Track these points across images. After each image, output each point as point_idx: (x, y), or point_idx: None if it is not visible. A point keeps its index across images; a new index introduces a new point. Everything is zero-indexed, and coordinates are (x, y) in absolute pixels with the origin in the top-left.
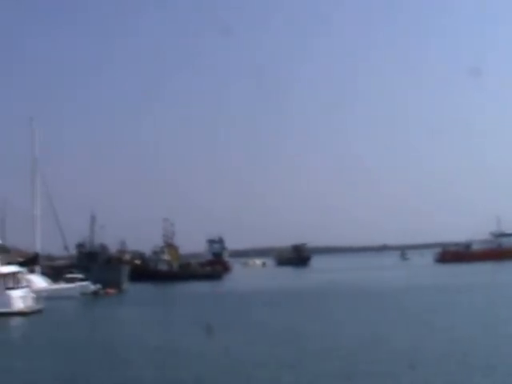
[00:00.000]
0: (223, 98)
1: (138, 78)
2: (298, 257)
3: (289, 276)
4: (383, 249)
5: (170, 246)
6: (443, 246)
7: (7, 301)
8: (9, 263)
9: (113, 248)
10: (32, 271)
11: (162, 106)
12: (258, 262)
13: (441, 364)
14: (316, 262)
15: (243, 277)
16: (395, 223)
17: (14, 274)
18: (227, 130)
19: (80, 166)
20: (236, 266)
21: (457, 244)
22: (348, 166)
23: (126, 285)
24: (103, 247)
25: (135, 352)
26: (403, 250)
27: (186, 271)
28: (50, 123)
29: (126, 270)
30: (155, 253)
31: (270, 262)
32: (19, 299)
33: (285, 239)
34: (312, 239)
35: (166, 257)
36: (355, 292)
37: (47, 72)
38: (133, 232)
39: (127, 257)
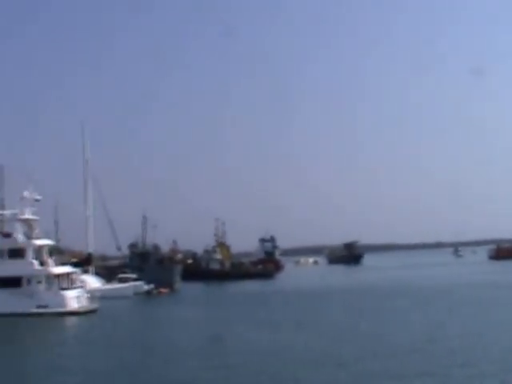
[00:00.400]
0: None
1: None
2: (350, 255)
3: (341, 274)
4: (437, 246)
5: (221, 245)
6: (497, 242)
7: (62, 301)
8: (63, 264)
9: (165, 248)
10: (86, 271)
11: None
12: (310, 260)
13: (497, 363)
14: (368, 259)
15: (295, 275)
16: (449, 220)
17: (68, 274)
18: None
19: (131, 167)
20: (288, 264)
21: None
22: (400, 164)
23: (179, 284)
24: (155, 247)
25: (189, 350)
26: (456, 247)
27: (237, 270)
28: (102, 125)
29: (178, 270)
30: (207, 252)
31: (321, 260)
32: (74, 299)
33: (337, 237)
34: (364, 237)
35: (218, 256)
36: (410, 290)
37: (109, 73)
38: (184, 231)
39: (179, 256)
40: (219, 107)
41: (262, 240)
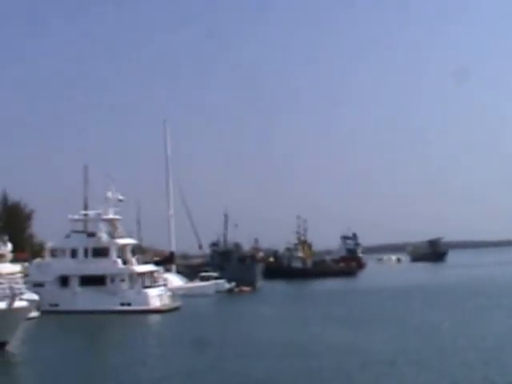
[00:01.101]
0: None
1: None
2: (433, 252)
3: (425, 272)
4: None
5: (303, 243)
6: None
7: (145, 299)
8: (146, 263)
9: (246, 246)
10: (168, 270)
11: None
12: (393, 257)
13: None
14: (453, 257)
15: (378, 273)
16: None
17: (150, 272)
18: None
19: (212, 165)
20: (370, 262)
21: None
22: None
23: (260, 283)
24: (237, 245)
25: (269, 348)
26: None
27: (319, 268)
28: (181, 124)
29: (259, 268)
30: (288, 250)
31: (404, 257)
32: (156, 297)
33: (419, 234)
34: (448, 234)
35: (300, 254)
36: (496, 289)
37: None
38: (266, 230)
39: (261, 255)
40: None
41: (344, 237)
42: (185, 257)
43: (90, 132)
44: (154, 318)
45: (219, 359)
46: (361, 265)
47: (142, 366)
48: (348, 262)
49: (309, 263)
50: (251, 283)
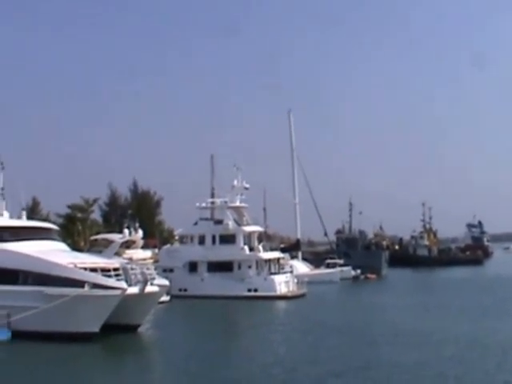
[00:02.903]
0: None
1: None
2: None
3: None
4: None
5: (428, 231)
6: None
7: (271, 285)
8: (272, 249)
9: (371, 233)
10: (294, 257)
11: None
12: None
13: None
14: None
15: (505, 262)
16: None
17: (277, 259)
18: None
19: (337, 153)
20: (497, 251)
21: None
22: None
23: (386, 270)
24: (362, 233)
25: (392, 336)
26: None
27: (445, 256)
28: (306, 112)
29: (385, 256)
30: (414, 238)
31: None
32: (282, 284)
33: None
34: None
35: (425, 242)
36: None
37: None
38: (390, 217)
39: (386, 242)
40: None
41: (469, 225)
42: (310, 244)
43: (217, 119)
44: (281, 304)
45: (344, 346)
46: (487, 253)
47: (267, 349)
48: (474, 251)
49: (434, 251)
50: (376, 270)
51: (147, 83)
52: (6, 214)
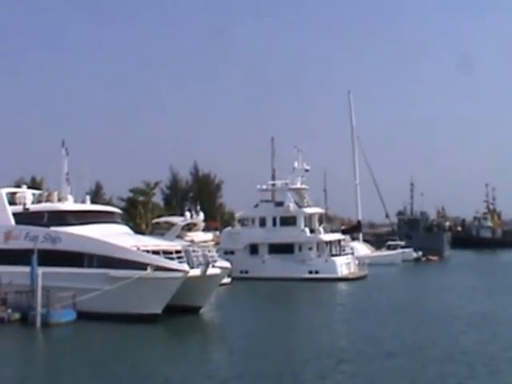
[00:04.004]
0: None
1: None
2: None
3: None
4: None
5: (492, 212)
6: None
7: (332, 267)
8: (332, 231)
9: (433, 215)
10: (355, 239)
11: None
12: None
13: None
14: None
15: None
16: None
17: (338, 241)
18: None
19: (396, 134)
20: None
21: None
22: None
23: (448, 252)
24: (423, 214)
25: (448, 317)
26: None
27: (509, 238)
28: (367, 92)
29: (447, 237)
30: (477, 219)
31: None
32: (344, 265)
33: None
34: None
35: (489, 223)
36: None
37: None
38: (452, 198)
39: (448, 224)
40: None
41: None
42: (371, 225)
43: (275, 104)
44: (341, 286)
45: (402, 326)
46: None
47: (326, 329)
48: None
49: (498, 233)
50: (438, 252)
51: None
52: (70, 198)
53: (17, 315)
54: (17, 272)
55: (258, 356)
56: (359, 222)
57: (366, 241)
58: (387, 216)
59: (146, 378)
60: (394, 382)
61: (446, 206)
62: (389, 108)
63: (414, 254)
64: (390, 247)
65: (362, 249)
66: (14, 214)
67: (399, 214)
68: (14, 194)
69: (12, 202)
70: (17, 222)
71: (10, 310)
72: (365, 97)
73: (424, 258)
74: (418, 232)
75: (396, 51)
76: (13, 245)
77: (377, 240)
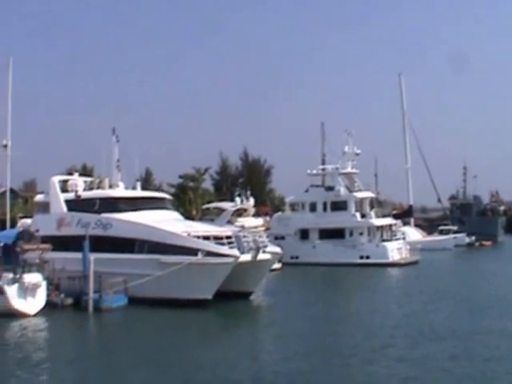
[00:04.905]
0: None
1: None
2: None
3: None
4: None
5: None
6: None
7: (384, 252)
8: (384, 216)
9: (486, 199)
10: (406, 223)
11: None
12: None
13: None
14: None
15: None
16: None
17: (389, 226)
18: None
19: (450, 117)
20: None
21: None
22: None
23: (502, 237)
24: (477, 198)
25: (500, 303)
26: None
27: None
28: (418, 77)
29: (501, 222)
30: None
31: None
32: (395, 251)
33: None
34: None
35: None
36: None
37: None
38: (507, 182)
39: (502, 208)
40: None
41: None
42: (423, 210)
43: (326, 88)
44: (393, 272)
45: (453, 311)
46: None
47: (376, 313)
48: None
49: None
50: (492, 237)
51: None
52: (121, 185)
53: (69, 300)
54: (69, 258)
55: (307, 340)
56: (411, 206)
57: (417, 226)
58: (439, 200)
59: (196, 361)
60: (442, 366)
61: (501, 190)
62: (440, 90)
63: (467, 239)
64: (442, 232)
65: (413, 234)
66: (67, 202)
67: (451, 198)
68: (65, 181)
69: (64, 190)
70: (69, 209)
71: (63, 295)
72: (415, 78)
73: (477, 244)
74: (471, 216)
75: None
76: (65, 231)
77: (428, 225)
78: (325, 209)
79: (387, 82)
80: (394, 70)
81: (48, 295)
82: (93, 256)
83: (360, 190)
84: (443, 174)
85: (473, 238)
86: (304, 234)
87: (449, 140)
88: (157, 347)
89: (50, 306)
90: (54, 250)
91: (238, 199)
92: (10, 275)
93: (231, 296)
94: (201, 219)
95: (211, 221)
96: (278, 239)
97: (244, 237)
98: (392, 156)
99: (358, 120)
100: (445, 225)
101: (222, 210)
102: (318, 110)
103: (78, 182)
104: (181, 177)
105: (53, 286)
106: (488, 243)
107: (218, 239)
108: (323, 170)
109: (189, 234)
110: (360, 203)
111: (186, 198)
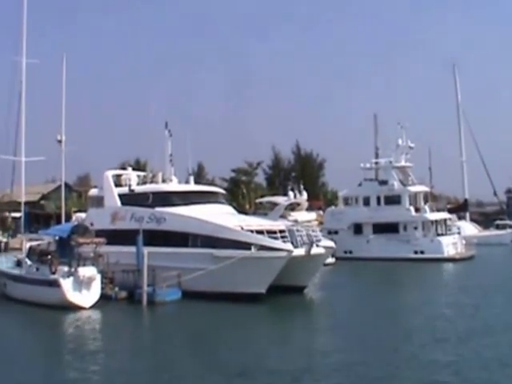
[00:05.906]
0: None
1: None
2: None
3: None
4: None
5: None
6: None
7: (438, 247)
8: (438, 210)
9: None
10: (461, 218)
11: None
12: None
13: None
14: None
15: None
16: None
17: (444, 220)
18: None
19: (506, 108)
20: None
21: None
22: None
23: None
24: None
25: None
26: None
27: None
28: (475, 66)
29: None
30: None
31: None
32: (450, 245)
33: None
34: None
35: None
36: None
37: None
38: None
39: None
40: None
41: None
42: (479, 204)
43: (377, 80)
44: (448, 267)
45: (507, 306)
46: None
47: (429, 309)
48: None
49: None
50: None
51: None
52: (174, 179)
53: (123, 293)
54: (123, 252)
55: (361, 337)
56: (466, 200)
57: (473, 220)
58: (495, 194)
59: (248, 355)
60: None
61: None
62: (494, 79)
63: None
64: (498, 227)
65: (468, 228)
66: (120, 196)
67: (508, 191)
68: (119, 176)
69: (118, 184)
70: (123, 203)
71: (117, 289)
72: (469, 69)
73: None
74: None
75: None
76: (119, 225)
77: (484, 219)
78: (378, 203)
79: (442, 73)
80: (449, 60)
81: (102, 288)
82: (146, 250)
83: (414, 184)
84: (499, 166)
85: None
86: (357, 229)
87: (504, 132)
88: (210, 341)
89: (104, 299)
90: (108, 243)
91: (291, 193)
92: (66, 268)
93: (284, 290)
94: (254, 213)
95: (264, 215)
96: (331, 233)
97: (297, 231)
98: (447, 149)
99: (412, 112)
100: (501, 219)
101: (275, 204)
102: (371, 102)
103: (132, 176)
104: (233, 171)
105: (107, 279)
106: None
107: (271, 233)
108: (376, 163)
109: (242, 228)
110: (414, 197)
111: (239, 192)
